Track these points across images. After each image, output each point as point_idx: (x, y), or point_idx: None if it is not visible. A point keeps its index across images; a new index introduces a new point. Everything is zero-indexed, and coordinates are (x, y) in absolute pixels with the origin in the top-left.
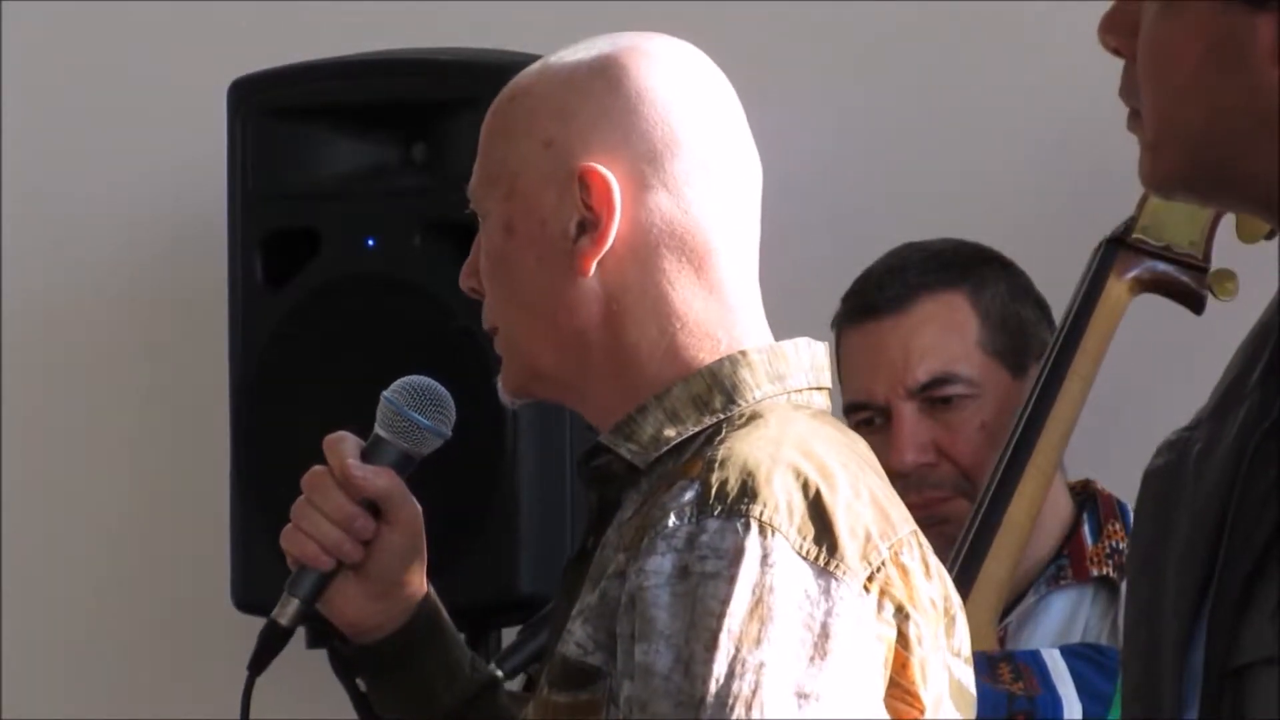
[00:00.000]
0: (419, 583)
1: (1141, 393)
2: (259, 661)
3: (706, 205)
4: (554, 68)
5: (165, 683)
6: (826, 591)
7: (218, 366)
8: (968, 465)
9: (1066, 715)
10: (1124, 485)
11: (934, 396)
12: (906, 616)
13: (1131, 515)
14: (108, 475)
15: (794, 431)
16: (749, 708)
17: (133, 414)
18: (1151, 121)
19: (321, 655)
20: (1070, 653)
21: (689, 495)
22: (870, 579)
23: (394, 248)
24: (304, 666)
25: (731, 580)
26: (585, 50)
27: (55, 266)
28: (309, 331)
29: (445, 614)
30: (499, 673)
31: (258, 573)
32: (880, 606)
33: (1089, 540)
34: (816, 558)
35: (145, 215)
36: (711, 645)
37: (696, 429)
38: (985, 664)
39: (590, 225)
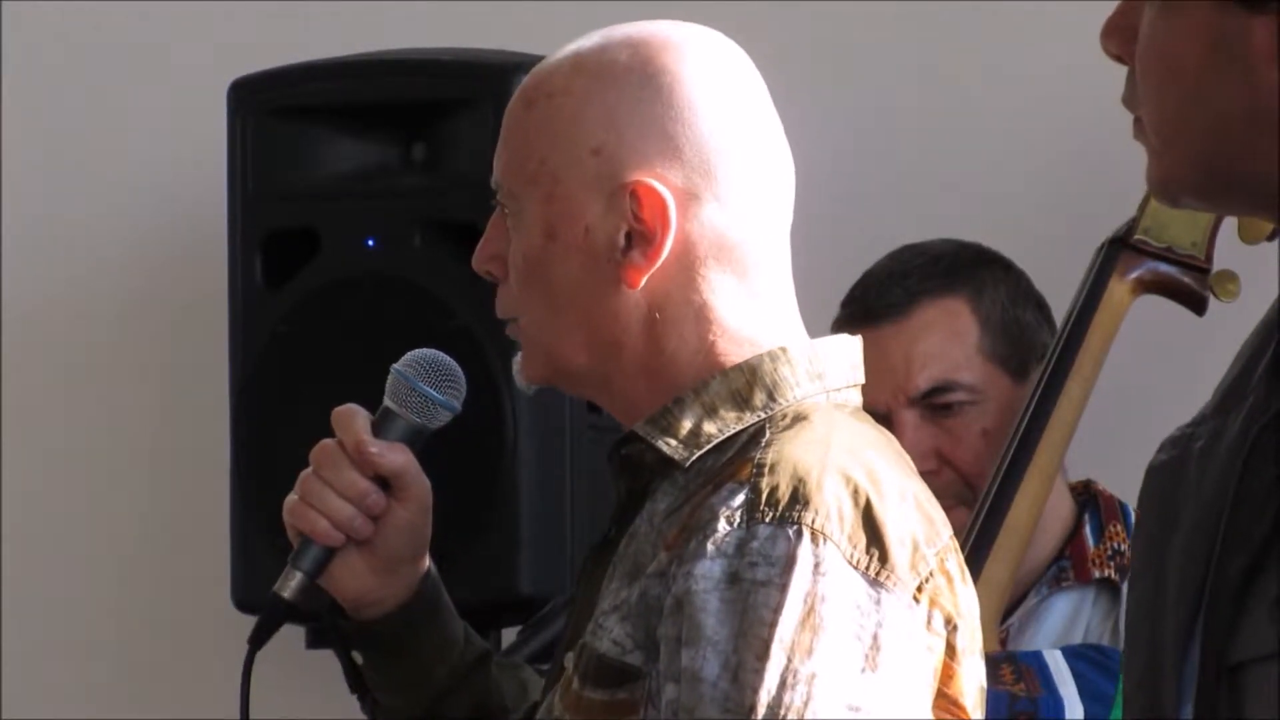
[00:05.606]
0: (422, 559)
1: (1143, 394)
2: (260, 636)
3: (752, 212)
4: (590, 65)
5: (165, 682)
6: (877, 602)
7: (218, 366)
8: (969, 472)
9: (1068, 716)
10: (1125, 486)
11: (935, 404)
12: (955, 628)
13: (1133, 516)
14: (108, 475)
15: (840, 434)
16: (801, 718)
17: (132, 414)
18: (1154, 127)
19: (321, 655)
20: (1072, 654)
21: (739, 500)
22: (920, 589)
23: (394, 248)
24: (304, 666)
25: (783, 589)
26: (621, 46)
27: (55, 267)
28: (309, 331)
29: (443, 590)
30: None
31: (258, 573)
32: (930, 618)
33: (1091, 542)
34: (867, 567)
35: (145, 215)
36: (763, 654)
37: (738, 427)
38: (987, 665)
39: (640, 238)
